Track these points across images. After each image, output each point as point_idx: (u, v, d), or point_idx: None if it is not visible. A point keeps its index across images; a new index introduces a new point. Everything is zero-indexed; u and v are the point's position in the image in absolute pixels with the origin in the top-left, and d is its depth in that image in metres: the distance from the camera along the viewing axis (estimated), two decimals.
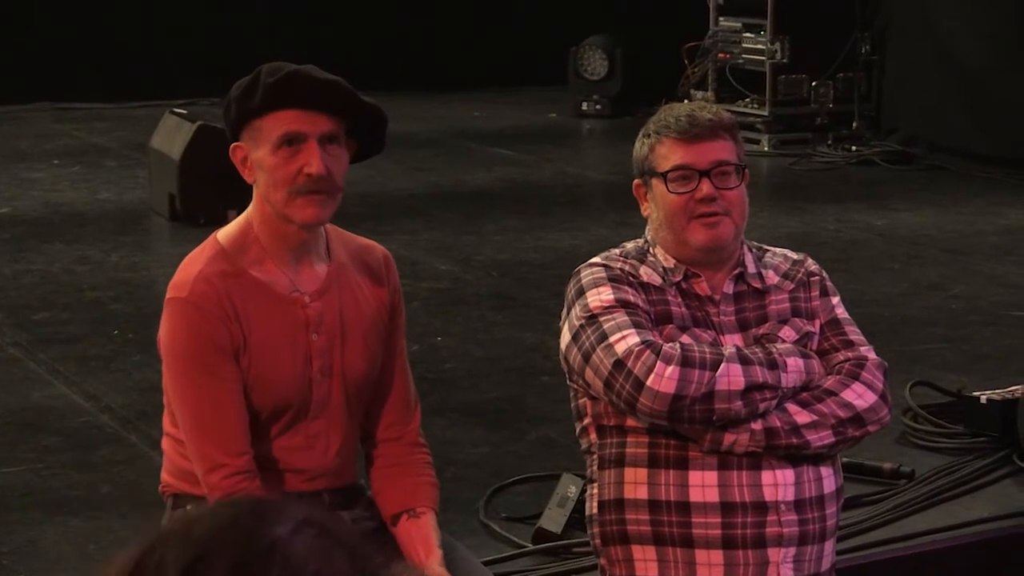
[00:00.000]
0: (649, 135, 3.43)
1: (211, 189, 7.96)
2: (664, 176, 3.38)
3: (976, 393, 5.13)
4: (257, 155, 3.15)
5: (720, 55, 11.22)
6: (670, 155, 3.38)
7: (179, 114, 8.79)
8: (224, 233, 3.23)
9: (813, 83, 10.90)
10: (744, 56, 11.11)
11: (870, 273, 7.42)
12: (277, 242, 3.19)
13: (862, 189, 9.68)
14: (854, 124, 10.84)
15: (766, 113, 10.80)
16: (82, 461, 5.01)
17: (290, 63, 3.20)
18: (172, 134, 8.56)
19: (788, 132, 10.87)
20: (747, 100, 10.92)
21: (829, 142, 10.68)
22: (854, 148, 10.59)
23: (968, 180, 9.81)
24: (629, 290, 3.37)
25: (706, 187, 3.35)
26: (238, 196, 7.25)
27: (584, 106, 12.26)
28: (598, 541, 3.45)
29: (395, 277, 3.37)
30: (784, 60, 10.87)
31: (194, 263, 3.19)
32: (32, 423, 5.36)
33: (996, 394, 5.08)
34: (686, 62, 11.23)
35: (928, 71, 10.47)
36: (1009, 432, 4.94)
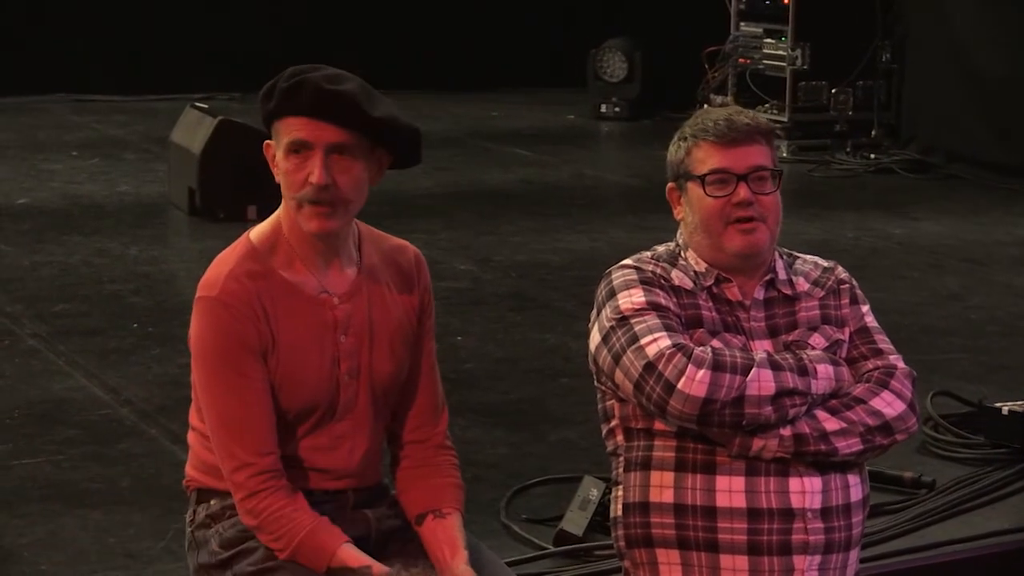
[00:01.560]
0: (686, 138, 3.41)
1: (231, 184, 7.97)
2: (701, 179, 3.37)
3: (997, 404, 5.12)
4: (277, 156, 3.16)
5: (740, 60, 11.21)
6: (707, 159, 3.37)
7: (200, 108, 8.79)
8: (256, 232, 3.23)
9: (833, 90, 10.89)
10: (764, 62, 11.10)
11: (888, 282, 7.41)
12: (305, 244, 3.19)
13: (880, 197, 9.67)
14: (873, 132, 10.83)
15: (785, 119, 10.79)
16: (102, 454, 5.01)
17: (321, 66, 3.18)
18: (193, 128, 8.57)
19: (807, 139, 10.86)
20: (766, 106, 10.91)
21: (848, 149, 10.67)
22: (873, 156, 10.58)
23: (986, 190, 9.79)
24: (660, 293, 3.36)
25: (744, 191, 3.34)
26: (258, 192, 7.31)
27: (603, 108, 12.26)
28: (622, 544, 3.44)
29: (426, 279, 3.35)
30: (804, 66, 10.86)
31: (225, 262, 3.19)
32: (52, 415, 5.37)
33: (1017, 406, 5.09)
34: (706, 66, 11.22)
35: (948, 80, 10.45)
36: None
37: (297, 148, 3.10)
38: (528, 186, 9.72)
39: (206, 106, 8.95)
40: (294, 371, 3.16)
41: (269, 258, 3.18)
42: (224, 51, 12.30)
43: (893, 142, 10.78)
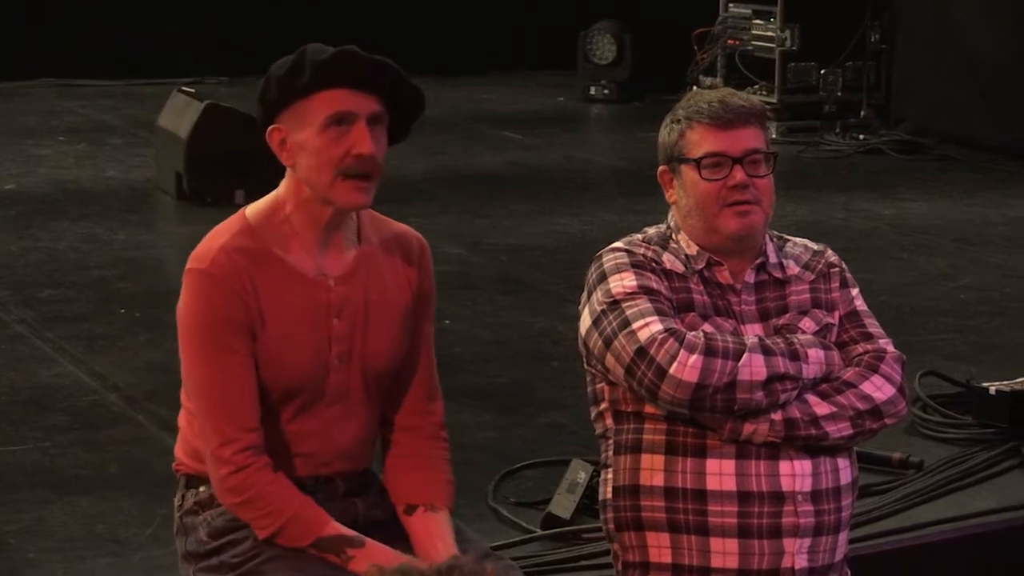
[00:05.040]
0: (679, 120, 3.38)
1: (219, 169, 7.96)
2: (696, 162, 3.34)
3: (985, 384, 5.13)
4: (300, 136, 3.09)
5: (729, 41, 11.19)
6: (702, 141, 3.34)
7: (187, 93, 8.77)
8: (253, 210, 3.18)
9: (822, 71, 10.88)
10: (754, 43, 11.09)
11: (878, 263, 7.40)
12: (309, 224, 3.15)
13: (870, 178, 9.66)
14: (863, 113, 10.82)
15: (775, 101, 10.77)
16: (90, 440, 4.99)
17: (322, 45, 3.15)
18: (180, 113, 8.54)
19: (797, 120, 10.84)
20: (756, 87, 10.88)
21: (837, 131, 10.66)
22: (863, 137, 10.57)
23: (977, 171, 9.80)
24: (652, 277, 3.34)
25: (739, 174, 3.32)
26: (245, 176, 7.29)
27: (592, 91, 12.23)
28: (611, 527, 3.43)
29: (428, 266, 3.30)
30: (794, 47, 10.85)
31: (219, 236, 3.15)
32: (39, 401, 5.35)
33: (1005, 385, 5.09)
34: (695, 48, 11.20)
35: (938, 61, 10.44)
36: (1017, 424, 4.95)
37: (340, 120, 3.06)
38: (519, 169, 9.71)
39: (193, 90, 8.91)
40: (282, 351, 3.12)
41: (265, 236, 3.14)
42: (211, 36, 12.26)
43: (883, 123, 10.78)
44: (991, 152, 9.98)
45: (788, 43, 10.86)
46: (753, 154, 3.34)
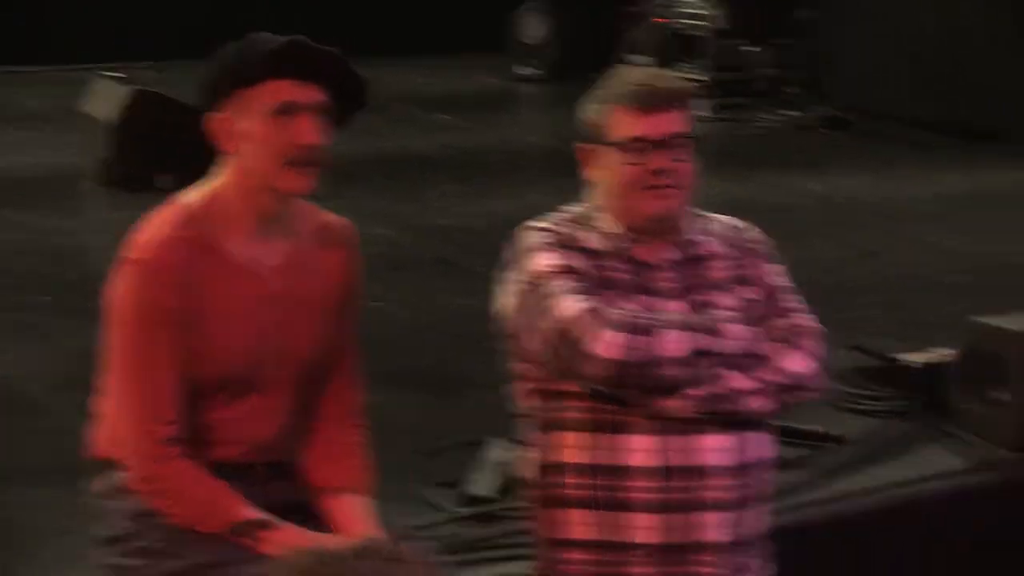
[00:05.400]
0: (604, 100, 3.37)
1: (145, 154, 7.91)
2: (617, 145, 3.34)
3: (905, 358, 5.17)
4: (245, 125, 3.09)
5: (660, 20, 11.21)
6: (625, 125, 3.33)
7: (112, 78, 8.71)
8: (189, 198, 3.18)
9: (753, 49, 10.92)
10: (684, 21, 11.12)
11: (807, 239, 7.44)
12: (247, 214, 3.14)
13: (800, 155, 9.72)
14: (793, 90, 10.87)
15: (706, 78, 10.80)
16: (9, 429, 4.95)
17: (266, 33, 3.15)
18: (105, 98, 8.48)
19: (727, 97, 10.88)
20: (686, 66, 10.91)
21: (768, 108, 10.71)
22: (793, 114, 10.63)
23: (905, 146, 9.87)
24: (573, 255, 3.34)
25: (661, 160, 3.31)
26: (172, 161, 7.24)
27: (522, 71, 12.23)
28: (534, 505, 3.43)
29: (357, 255, 3.33)
30: (724, 25, 10.88)
31: (156, 226, 3.13)
32: None
33: (924, 358, 5.14)
34: (625, 27, 11.21)
35: (867, 38, 10.52)
36: (936, 396, 5.00)
37: (287, 110, 3.07)
38: (450, 151, 9.70)
39: (118, 76, 8.85)
40: (218, 341, 3.13)
41: (203, 225, 3.13)
42: (135, 21, 12.17)
43: (811, 99, 10.84)
44: (918, 127, 10.06)
45: (718, 21, 10.89)
46: (675, 138, 3.33)
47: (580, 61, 11.82)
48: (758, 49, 10.92)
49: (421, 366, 5.61)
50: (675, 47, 11.09)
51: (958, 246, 7.45)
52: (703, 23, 10.95)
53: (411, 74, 12.48)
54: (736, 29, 10.94)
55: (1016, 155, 9.44)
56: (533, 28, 12.24)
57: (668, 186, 3.32)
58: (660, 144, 3.31)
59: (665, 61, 10.98)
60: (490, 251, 7.10)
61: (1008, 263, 7.10)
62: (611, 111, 3.34)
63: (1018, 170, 9.19)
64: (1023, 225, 7.94)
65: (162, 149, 7.58)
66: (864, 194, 8.56)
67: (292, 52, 3.08)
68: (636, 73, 3.43)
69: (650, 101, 3.31)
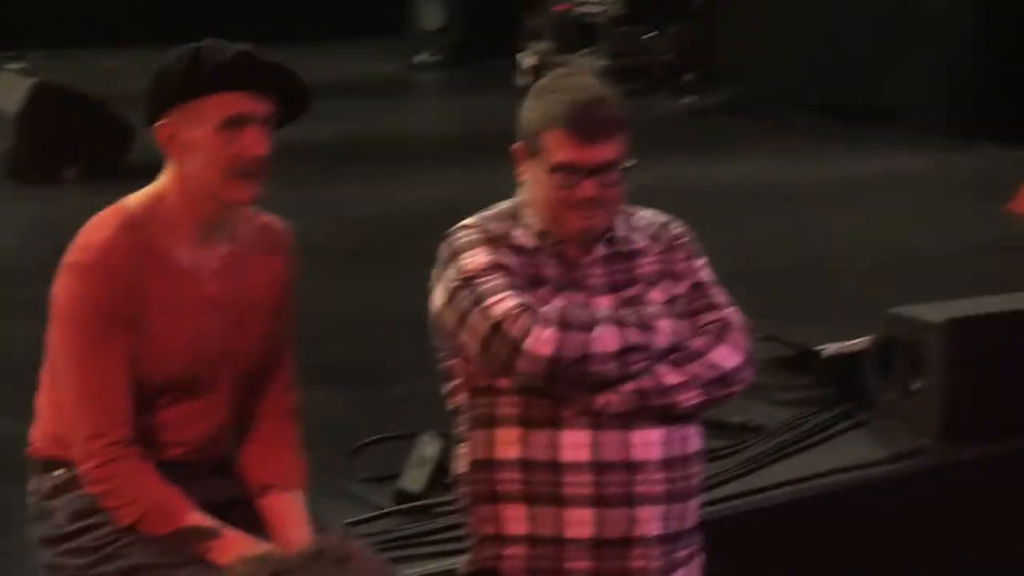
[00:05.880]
0: (542, 112, 3.37)
1: (48, 147, 7.79)
2: (551, 168, 3.35)
3: (820, 347, 5.22)
4: (192, 134, 3.10)
5: (558, 7, 11.24)
6: (559, 149, 3.34)
7: (13, 69, 8.58)
8: (132, 203, 3.18)
9: (651, 34, 10.98)
10: (582, 8, 11.15)
11: (709, 225, 7.44)
12: (190, 220, 3.16)
13: (700, 140, 9.78)
14: (692, 75, 10.94)
15: (604, 64, 10.85)
16: None
17: (226, 43, 3.17)
18: (6, 90, 8.35)
19: (626, 83, 10.92)
20: (585, 51, 10.96)
21: (668, 94, 10.77)
22: (692, 99, 10.70)
23: (806, 130, 9.96)
24: (504, 252, 3.37)
25: (590, 188, 3.35)
26: (75, 153, 7.16)
27: (421, 57, 12.21)
28: (467, 500, 3.46)
29: (293, 255, 3.36)
30: (622, 11, 10.93)
31: (99, 229, 3.14)
32: None
33: (838, 347, 5.18)
34: (524, 13, 11.23)
35: (764, 22, 10.60)
36: (851, 385, 5.04)
37: (236, 122, 3.09)
38: (351, 139, 9.66)
39: (18, 66, 8.73)
40: (160, 344, 3.14)
41: (145, 230, 3.14)
42: (35, 9, 12.00)
43: (712, 85, 10.92)
44: (814, 111, 10.16)
45: (616, 7, 10.94)
46: (608, 166, 3.36)
47: (479, 47, 11.87)
48: (656, 35, 10.98)
49: (338, 360, 5.59)
50: (574, 33, 11.12)
51: (863, 231, 7.54)
52: (601, 9, 10.99)
53: (307, 61, 12.35)
54: (634, 15, 11.00)
55: (910, 138, 9.57)
56: (431, 14, 12.22)
57: (596, 207, 3.36)
58: (593, 172, 3.34)
59: (564, 47, 11.04)
60: (400, 241, 7.19)
61: (913, 247, 7.22)
62: (548, 129, 3.35)
63: (911, 152, 9.32)
64: (925, 207, 8.07)
65: (64, 141, 7.48)
66: (767, 179, 8.62)
67: (242, 65, 3.10)
68: (577, 87, 3.40)
69: (588, 133, 3.32)
